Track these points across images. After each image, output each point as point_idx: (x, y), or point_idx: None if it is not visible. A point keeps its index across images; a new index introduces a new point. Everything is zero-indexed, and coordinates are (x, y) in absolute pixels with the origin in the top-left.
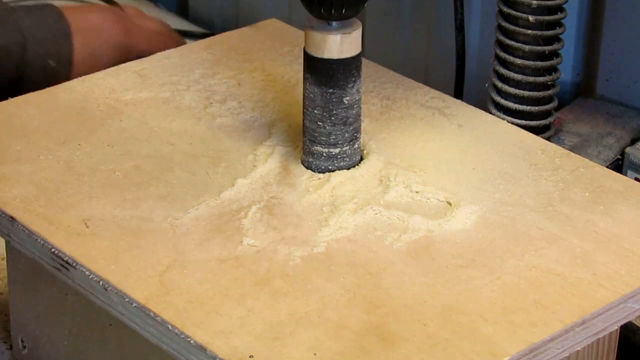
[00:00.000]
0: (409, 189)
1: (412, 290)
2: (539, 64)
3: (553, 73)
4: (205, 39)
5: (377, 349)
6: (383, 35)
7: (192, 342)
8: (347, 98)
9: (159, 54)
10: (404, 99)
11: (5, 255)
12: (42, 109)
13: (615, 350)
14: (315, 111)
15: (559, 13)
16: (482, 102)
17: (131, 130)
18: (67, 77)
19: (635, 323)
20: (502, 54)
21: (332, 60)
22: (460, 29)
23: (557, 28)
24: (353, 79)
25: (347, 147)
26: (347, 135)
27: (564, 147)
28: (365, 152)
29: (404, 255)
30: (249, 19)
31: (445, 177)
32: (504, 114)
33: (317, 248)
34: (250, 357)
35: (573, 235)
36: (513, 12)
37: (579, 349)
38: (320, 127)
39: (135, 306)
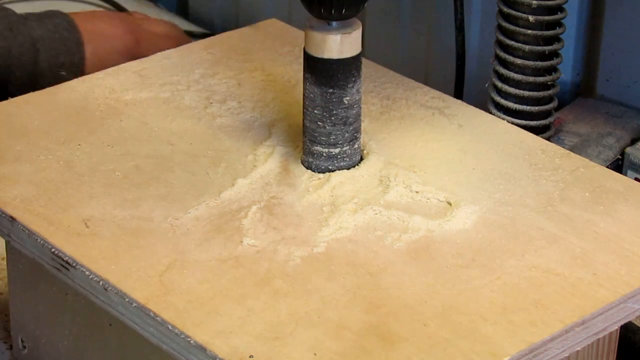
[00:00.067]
0: (409, 189)
1: (412, 290)
2: (539, 64)
3: (553, 73)
4: (205, 39)
5: (377, 349)
6: (383, 35)
7: (192, 342)
8: (347, 98)
9: (159, 54)
10: (404, 99)
11: (5, 255)
12: (42, 109)
13: (615, 350)
14: (315, 111)
15: (559, 13)
16: (482, 102)
17: (131, 130)
18: None
19: (635, 323)
20: (502, 54)
21: (332, 60)
22: (460, 29)
23: (557, 28)
24: (353, 79)
25: (347, 147)
26: (347, 135)
27: (564, 147)
28: (365, 152)
29: (404, 255)
30: (249, 19)
31: (445, 177)
32: (504, 114)
33: (317, 248)
34: (250, 357)
35: (573, 235)
36: (513, 12)
37: (579, 349)
38: (320, 127)
39: (135, 306)
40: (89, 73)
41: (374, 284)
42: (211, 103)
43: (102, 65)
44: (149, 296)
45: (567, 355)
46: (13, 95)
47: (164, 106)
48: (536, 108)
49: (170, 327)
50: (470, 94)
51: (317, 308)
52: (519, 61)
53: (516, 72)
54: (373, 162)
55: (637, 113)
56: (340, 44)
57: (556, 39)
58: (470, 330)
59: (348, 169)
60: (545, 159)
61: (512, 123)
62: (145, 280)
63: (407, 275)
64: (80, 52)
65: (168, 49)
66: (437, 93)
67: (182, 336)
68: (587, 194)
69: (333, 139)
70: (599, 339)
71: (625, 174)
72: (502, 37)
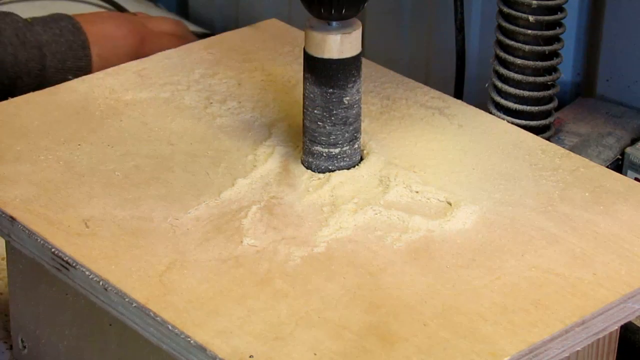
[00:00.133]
0: (409, 189)
1: (412, 290)
2: (539, 64)
3: (553, 73)
4: (205, 39)
5: (377, 349)
6: (383, 35)
7: (192, 342)
8: (347, 98)
9: (159, 54)
10: (404, 99)
11: (5, 255)
12: (42, 109)
13: (615, 350)
14: (315, 111)
15: (559, 13)
16: (482, 102)
17: (131, 130)
18: None
19: (635, 323)
20: (502, 54)
21: (332, 60)
22: (460, 29)
23: (557, 28)
24: (353, 79)
25: (347, 147)
26: (347, 135)
27: (564, 147)
28: (365, 152)
29: (404, 255)
30: (249, 19)
31: (445, 177)
32: (504, 114)
33: (317, 248)
34: (250, 357)
35: (573, 235)
36: (513, 12)
37: (579, 349)
38: (320, 127)
39: (135, 306)
40: None
41: (374, 284)
42: (211, 103)
43: (109, 66)
44: (149, 296)
45: (567, 355)
46: None
47: (164, 106)
48: (536, 108)
49: (170, 327)
50: (470, 94)
51: (317, 308)
52: (519, 61)
53: (516, 72)
54: (373, 162)
55: (637, 113)
56: (340, 44)
57: (556, 39)
58: (470, 330)
59: (348, 169)
60: (545, 159)
61: (512, 123)
62: (145, 280)
63: (407, 275)
64: (87, 56)
65: (174, 47)
66: (437, 93)
67: (182, 336)
68: (587, 194)
69: (333, 139)
70: (599, 339)
71: (625, 174)
72: (502, 37)
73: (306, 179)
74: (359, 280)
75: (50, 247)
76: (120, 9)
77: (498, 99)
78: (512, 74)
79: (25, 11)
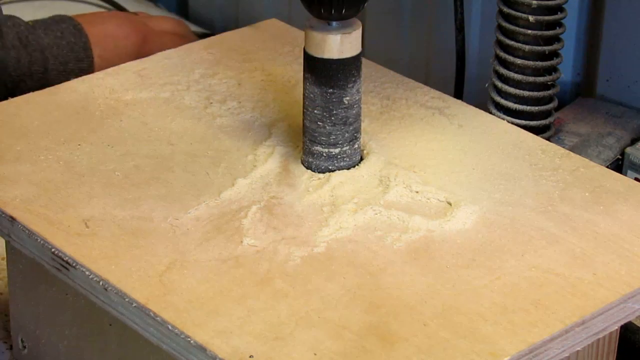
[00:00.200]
0: (409, 189)
1: (412, 290)
2: (539, 64)
3: (553, 73)
4: (205, 39)
5: (377, 349)
6: (383, 35)
7: (192, 342)
8: (347, 98)
9: (159, 54)
10: (404, 99)
11: (5, 255)
12: (42, 109)
13: (615, 350)
14: (315, 111)
15: (559, 13)
16: (482, 102)
17: (131, 130)
18: None
19: (635, 323)
20: (502, 54)
21: (332, 60)
22: (460, 29)
23: (557, 28)
24: (353, 79)
25: (347, 147)
26: (347, 135)
27: (564, 147)
28: (365, 152)
29: (404, 255)
30: (249, 19)
31: (445, 177)
32: (504, 114)
33: (317, 248)
34: (250, 357)
35: (573, 235)
36: (513, 12)
37: (579, 349)
38: (320, 127)
39: (135, 306)
40: None
41: (374, 284)
42: (211, 103)
43: (111, 66)
44: (149, 296)
45: (567, 355)
46: None
47: (164, 106)
48: (536, 108)
49: (170, 327)
50: (470, 94)
51: (317, 308)
52: (519, 61)
53: (516, 72)
54: (373, 162)
55: (637, 113)
56: (340, 44)
57: (556, 39)
58: (470, 330)
59: (348, 169)
60: (545, 159)
61: (512, 123)
62: (145, 280)
63: (407, 275)
64: (89, 57)
65: (175, 46)
66: (437, 93)
67: (182, 336)
68: (587, 194)
69: (333, 139)
70: (599, 339)
71: (625, 174)
72: (502, 37)
73: (306, 179)
74: (359, 280)
75: (50, 247)
76: (121, 9)
77: (498, 99)
78: (512, 74)
79: (25, 11)
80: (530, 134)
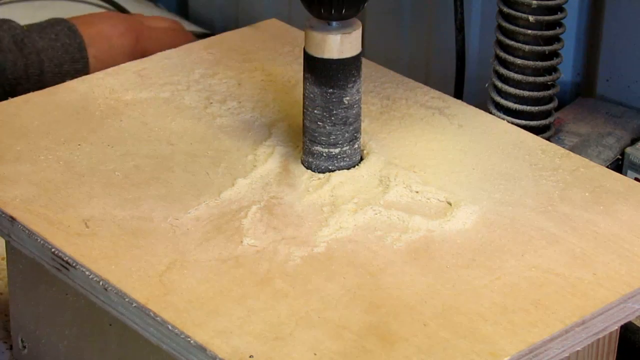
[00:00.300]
0: (409, 189)
1: (412, 290)
2: (539, 64)
3: (553, 73)
4: (205, 39)
5: (377, 349)
6: (383, 35)
7: (192, 342)
8: (347, 98)
9: (159, 54)
10: (404, 99)
11: (5, 255)
12: (42, 109)
13: (615, 350)
14: (315, 111)
15: (559, 13)
16: (482, 102)
17: (131, 130)
18: None
19: (635, 323)
20: (502, 54)
21: (332, 60)
22: (460, 29)
23: (557, 28)
24: (353, 79)
25: (347, 147)
26: (347, 135)
27: (564, 147)
28: (365, 152)
29: (404, 255)
30: (249, 19)
31: (445, 177)
32: (504, 114)
33: (317, 248)
34: (250, 357)
35: (573, 235)
36: (513, 12)
37: (579, 349)
38: (320, 127)
39: (135, 306)
40: None
41: (374, 284)
42: (211, 103)
43: (105, 66)
44: (149, 296)
45: (567, 355)
46: None
47: (164, 106)
48: (536, 108)
49: (170, 327)
50: (470, 94)
51: (317, 308)
52: (519, 61)
53: (516, 72)
54: (373, 162)
55: (637, 113)
56: (340, 44)
57: (556, 39)
58: (470, 330)
59: (348, 169)
60: (545, 159)
61: (512, 123)
62: (145, 280)
63: (407, 275)
64: (84, 58)
65: (170, 43)
66: (437, 93)
67: (182, 336)
68: (587, 194)
69: (333, 139)
70: (599, 339)
71: (625, 174)
72: (502, 37)
73: (306, 179)
74: (359, 280)
75: (50, 247)
76: (121, 9)
77: (498, 99)
78: (512, 74)
79: (25, 11)
80: (530, 134)
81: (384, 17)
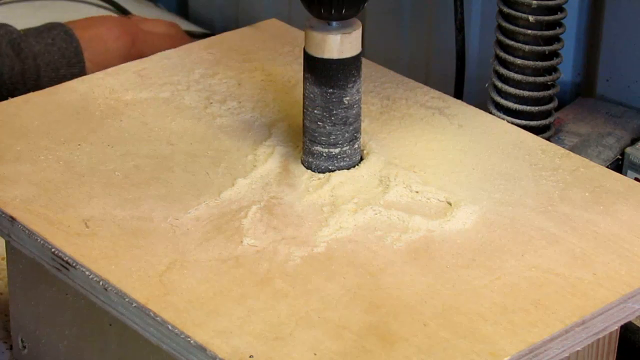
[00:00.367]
0: (409, 189)
1: (412, 290)
2: (539, 64)
3: (553, 73)
4: (205, 39)
5: (377, 349)
6: (383, 35)
7: (192, 342)
8: (347, 98)
9: (159, 54)
10: (404, 99)
11: (5, 255)
12: (42, 109)
13: (615, 350)
14: (315, 111)
15: (559, 13)
16: (482, 102)
17: (131, 130)
18: None
19: (635, 323)
20: (502, 54)
21: (332, 60)
22: (460, 29)
23: (557, 28)
24: (353, 79)
25: (347, 147)
26: (347, 135)
27: (564, 147)
28: (365, 152)
29: (404, 255)
30: (249, 19)
31: (445, 177)
32: (504, 114)
33: (317, 248)
34: (250, 357)
35: (573, 235)
36: (513, 12)
37: (579, 349)
38: (320, 127)
39: (135, 306)
40: None
41: (374, 284)
42: (211, 103)
43: (101, 69)
44: (149, 296)
45: (567, 355)
46: None
47: (164, 106)
48: (536, 108)
49: (170, 327)
50: (470, 94)
51: (317, 308)
52: (519, 61)
53: (516, 72)
54: (373, 162)
55: (637, 113)
56: (340, 44)
57: (556, 39)
58: (470, 330)
59: (348, 169)
60: (545, 159)
61: (512, 123)
62: (145, 280)
63: (407, 275)
64: (80, 62)
65: (167, 48)
66: (437, 93)
67: (182, 336)
68: (587, 194)
69: (333, 139)
70: (599, 339)
71: (625, 174)
72: (502, 37)
73: (306, 179)
74: (359, 280)
75: (50, 247)
76: (121, 9)
77: (498, 99)
78: (512, 74)
79: (25, 11)
80: (530, 134)
81: (384, 17)
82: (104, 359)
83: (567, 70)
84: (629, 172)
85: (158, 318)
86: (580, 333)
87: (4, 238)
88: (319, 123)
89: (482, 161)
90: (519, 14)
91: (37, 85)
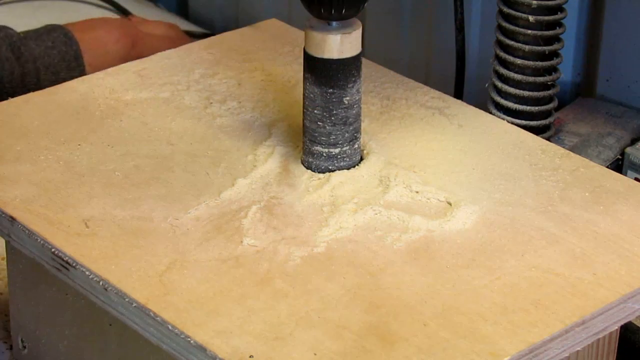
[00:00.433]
0: (409, 189)
1: (412, 290)
2: (539, 64)
3: (553, 73)
4: (205, 39)
5: (377, 349)
6: (383, 35)
7: (192, 342)
8: (347, 98)
9: (159, 54)
10: (404, 99)
11: (5, 255)
12: (42, 109)
13: (615, 350)
14: (315, 111)
15: (559, 13)
16: (482, 102)
17: (131, 130)
18: None
19: (635, 323)
20: (502, 54)
21: (332, 60)
22: (460, 29)
23: (557, 28)
24: (353, 79)
25: (347, 147)
26: (347, 135)
27: (564, 147)
28: (365, 152)
29: (404, 255)
30: (249, 19)
31: (445, 177)
32: (504, 114)
33: (317, 248)
34: (250, 357)
35: (573, 235)
36: (513, 12)
37: (579, 349)
38: (320, 127)
39: (135, 306)
40: None
41: (374, 284)
42: (211, 103)
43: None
44: (149, 296)
45: (567, 355)
46: None
47: (164, 106)
48: (536, 108)
49: (170, 327)
50: (470, 94)
51: (317, 308)
52: (519, 61)
53: (516, 72)
54: (373, 162)
55: (637, 113)
56: (340, 44)
57: (556, 39)
58: (470, 330)
59: (348, 169)
60: (545, 159)
61: (512, 123)
62: (145, 280)
63: (407, 275)
64: (80, 65)
65: (166, 49)
66: (437, 93)
67: (182, 336)
68: (587, 194)
69: (333, 139)
70: (599, 339)
71: (625, 174)
72: (502, 37)
73: (306, 179)
74: (359, 280)
75: (50, 247)
76: (121, 9)
77: (498, 99)
78: (512, 74)
79: (25, 11)
80: (530, 134)
81: (384, 17)
82: (104, 359)
83: (567, 70)
84: (629, 172)
85: (158, 318)
86: (580, 333)
87: (4, 238)
88: (319, 123)
89: (482, 161)
90: (519, 14)
91: (37, 89)
